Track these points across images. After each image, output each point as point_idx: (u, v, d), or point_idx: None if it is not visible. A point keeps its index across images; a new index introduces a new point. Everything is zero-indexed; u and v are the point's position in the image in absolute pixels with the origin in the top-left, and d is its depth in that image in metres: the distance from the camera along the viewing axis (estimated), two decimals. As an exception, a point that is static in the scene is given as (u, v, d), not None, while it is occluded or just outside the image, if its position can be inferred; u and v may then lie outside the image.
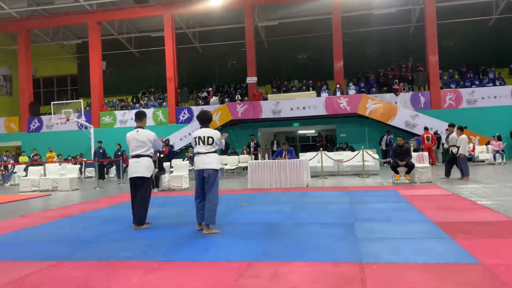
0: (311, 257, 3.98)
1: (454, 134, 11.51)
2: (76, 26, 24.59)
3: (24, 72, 23.76)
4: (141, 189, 5.90)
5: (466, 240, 4.39)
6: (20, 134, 23.63)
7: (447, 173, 11.20)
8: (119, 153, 16.91)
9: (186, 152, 18.24)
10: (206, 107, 21.47)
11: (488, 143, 17.24)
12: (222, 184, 13.07)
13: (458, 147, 10.93)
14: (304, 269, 3.61)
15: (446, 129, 14.49)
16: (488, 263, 3.56)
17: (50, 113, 22.26)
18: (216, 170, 5.46)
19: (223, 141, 5.79)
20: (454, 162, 11.16)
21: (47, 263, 4.15)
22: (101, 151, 17.01)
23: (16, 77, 25.94)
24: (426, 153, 11.59)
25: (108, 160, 17.03)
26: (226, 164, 15.88)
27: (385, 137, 18.61)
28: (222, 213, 6.86)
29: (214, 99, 22.26)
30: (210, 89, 24.33)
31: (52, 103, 21.97)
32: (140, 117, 6.15)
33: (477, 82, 20.71)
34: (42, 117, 23.76)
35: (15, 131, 23.90)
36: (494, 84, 20.24)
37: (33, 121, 23.50)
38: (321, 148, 14.42)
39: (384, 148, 18.35)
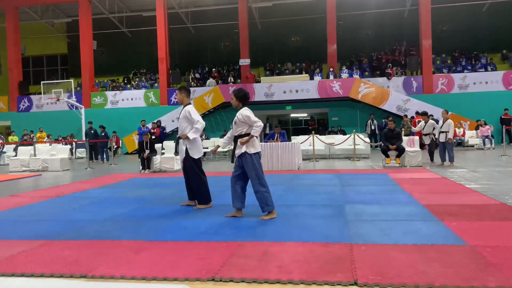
0: (301, 237, 4.01)
1: (422, 122, 11.93)
2: (66, 4, 24.07)
3: (13, 51, 23.31)
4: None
5: (454, 222, 4.46)
6: (10, 114, 23.31)
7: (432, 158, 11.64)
8: (103, 134, 16.83)
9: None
10: (201, 89, 21.31)
11: (477, 128, 17.38)
12: (215, 166, 13.11)
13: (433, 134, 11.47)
14: (294, 249, 3.65)
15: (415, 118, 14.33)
16: (475, 244, 3.62)
17: (39, 93, 21.95)
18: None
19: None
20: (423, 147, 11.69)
21: (37, 242, 4.14)
22: (92, 132, 16.88)
23: (4, 56, 25.45)
24: (416, 137, 11.65)
25: (97, 141, 16.85)
26: (218, 147, 15.80)
27: (369, 121, 18.65)
28: (214, 194, 6.88)
29: (210, 80, 22.09)
30: (214, 69, 24.05)
31: (42, 82, 21.69)
32: None
33: (469, 67, 20.76)
34: (32, 96, 23.44)
35: (4, 111, 23.58)
36: (486, 70, 20.31)
37: (23, 100, 23.18)
38: (313, 132, 14.45)
39: (369, 132, 18.39)
